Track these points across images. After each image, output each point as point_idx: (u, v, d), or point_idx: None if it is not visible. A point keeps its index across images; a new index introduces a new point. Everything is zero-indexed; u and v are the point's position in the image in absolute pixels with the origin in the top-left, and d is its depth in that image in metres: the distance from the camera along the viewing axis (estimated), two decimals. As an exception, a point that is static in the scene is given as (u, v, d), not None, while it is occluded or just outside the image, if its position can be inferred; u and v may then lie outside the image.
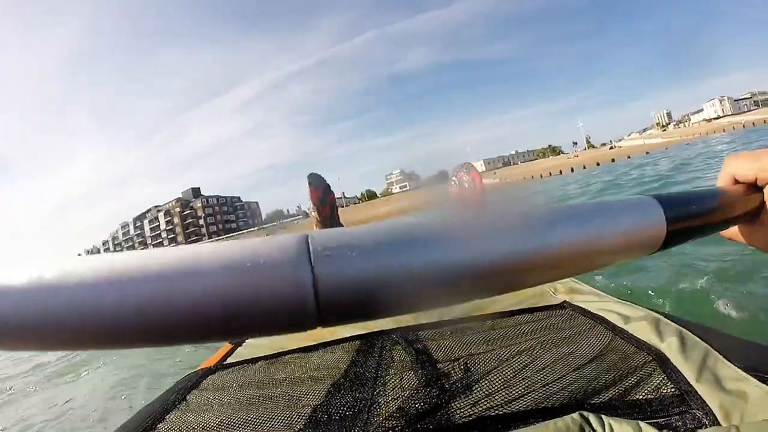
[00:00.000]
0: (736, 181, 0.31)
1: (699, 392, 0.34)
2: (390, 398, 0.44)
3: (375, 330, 0.66)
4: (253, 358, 0.63)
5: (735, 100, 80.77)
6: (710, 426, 0.31)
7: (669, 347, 0.42)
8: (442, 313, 0.68)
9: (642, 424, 0.30)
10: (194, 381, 0.57)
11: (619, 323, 0.52)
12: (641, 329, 0.48)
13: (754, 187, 0.30)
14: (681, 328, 0.46)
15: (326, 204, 1.42)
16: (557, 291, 0.71)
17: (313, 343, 0.64)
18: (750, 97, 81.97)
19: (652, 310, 0.53)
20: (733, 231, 0.32)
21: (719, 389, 0.34)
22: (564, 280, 0.75)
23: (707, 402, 0.33)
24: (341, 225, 1.41)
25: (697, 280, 2.36)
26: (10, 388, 3.71)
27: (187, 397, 0.53)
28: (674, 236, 0.24)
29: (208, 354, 0.73)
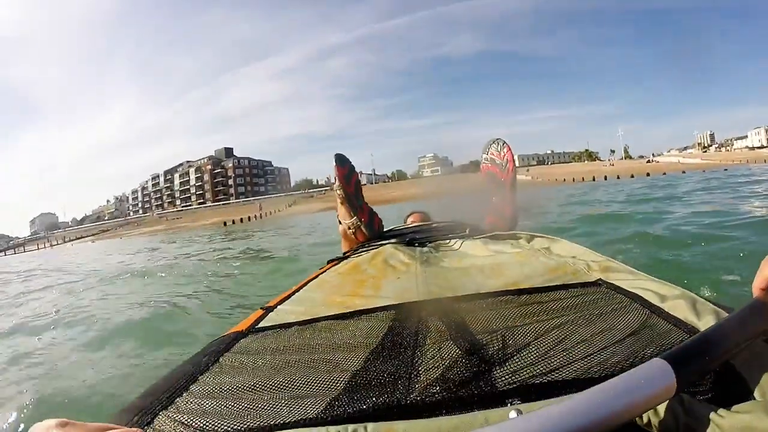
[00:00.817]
0: None
1: (736, 368, 0.35)
2: (430, 366, 0.44)
3: (411, 300, 0.65)
4: (286, 323, 0.62)
5: (783, 131, 76.88)
6: (748, 400, 0.32)
7: (706, 325, 0.43)
8: (478, 287, 0.69)
9: (684, 395, 0.31)
10: (227, 343, 0.56)
11: (655, 301, 0.51)
12: (678, 307, 0.48)
13: None
14: (717, 308, 0.47)
15: (351, 182, 1.43)
16: (591, 269, 0.70)
17: (347, 311, 0.63)
18: (801, 130, 77.99)
19: (688, 291, 0.53)
20: None
21: (756, 366, 0.34)
22: (598, 258, 0.75)
23: (746, 377, 0.34)
24: (365, 203, 1.47)
25: (735, 267, 2.26)
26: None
27: (220, 359, 0.52)
28: (687, 385, 0.30)
29: (238, 319, 0.72)
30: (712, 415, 0.29)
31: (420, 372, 0.42)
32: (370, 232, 1.40)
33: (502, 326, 0.51)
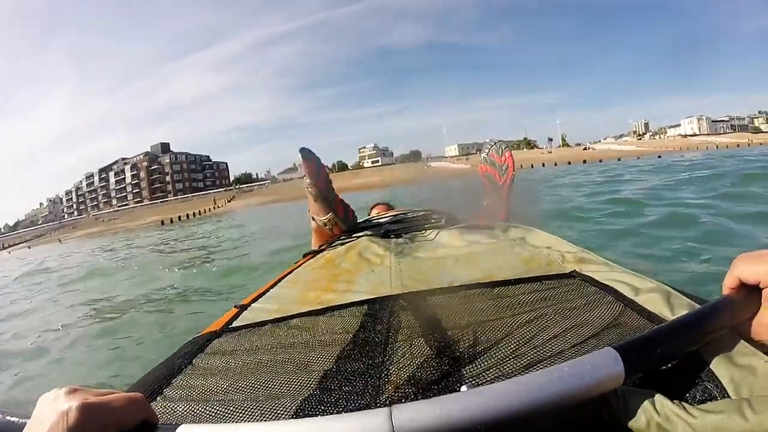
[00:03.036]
0: (742, 283, 0.35)
1: (710, 365, 0.35)
2: (401, 364, 0.43)
3: (384, 295, 0.64)
4: (260, 322, 0.61)
5: (713, 121, 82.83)
6: (721, 398, 0.32)
7: None
8: (452, 279, 0.68)
9: (657, 395, 0.31)
10: (200, 345, 0.56)
11: (629, 294, 0.51)
12: (652, 301, 0.48)
13: (754, 288, 0.35)
14: (691, 301, 0.46)
15: (321, 177, 1.33)
16: (565, 260, 0.69)
17: (320, 307, 0.63)
18: (728, 120, 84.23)
19: (662, 283, 0.52)
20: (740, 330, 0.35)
21: (729, 363, 0.34)
22: (573, 249, 0.74)
23: (717, 375, 0.34)
24: (336, 195, 1.36)
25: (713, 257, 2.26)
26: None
27: (194, 360, 0.51)
28: (636, 373, 0.32)
29: (211, 319, 0.69)
30: (684, 414, 0.29)
31: (390, 371, 0.42)
32: (347, 225, 1.33)
33: (474, 321, 0.50)
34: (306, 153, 1.31)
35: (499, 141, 1.43)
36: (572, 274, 0.62)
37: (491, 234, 0.96)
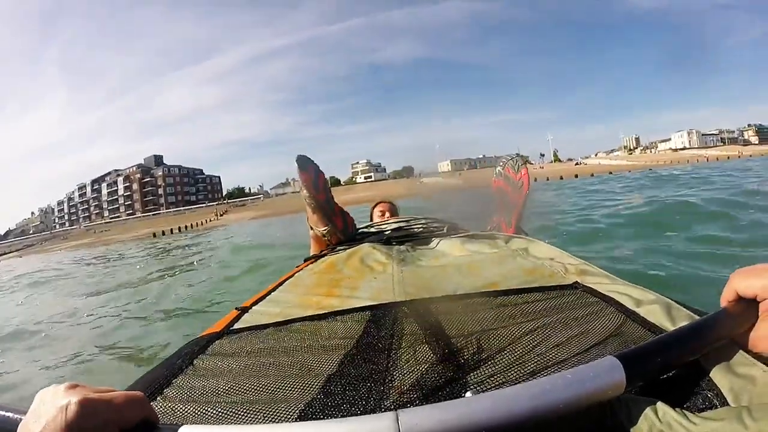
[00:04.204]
0: (739, 297, 0.37)
1: (710, 375, 0.35)
2: (405, 370, 0.43)
3: (386, 302, 0.64)
4: (261, 325, 0.60)
5: (703, 134, 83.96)
6: (721, 406, 0.32)
7: None
8: (455, 287, 0.67)
9: (658, 402, 0.32)
10: (201, 345, 0.55)
11: (631, 306, 0.51)
12: (653, 312, 0.48)
13: (751, 301, 0.36)
14: (691, 313, 0.47)
15: (320, 187, 1.25)
16: (567, 271, 0.69)
17: (323, 312, 0.62)
18: (717, 134, 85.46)
19: (663, 295, 0.53)
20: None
21: (729, 373, 0.34)
22: (575, 261, 0.74)
23: (717, 384, 0.34)
24: (336, 204, 1.29)
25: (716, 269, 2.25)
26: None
27: (194, 361, 0.51)
28: (637, 382, 0.33)
29: (211, 321, 0.68)
30: (685, 422, 0.29)
31: (394, 377, 0.42)
32: (346, 236, 1.26)
33: (477, 329, 0.50)
34: (302, 162, 1.23)
35: (516, 156, 1.39)
36: (575, 285, 0.62)
37: (493, 244, 0.96)
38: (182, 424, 0.30)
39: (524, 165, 1.36)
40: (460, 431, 0.27)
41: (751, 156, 41.48)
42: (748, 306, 0.36)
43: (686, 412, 0.30)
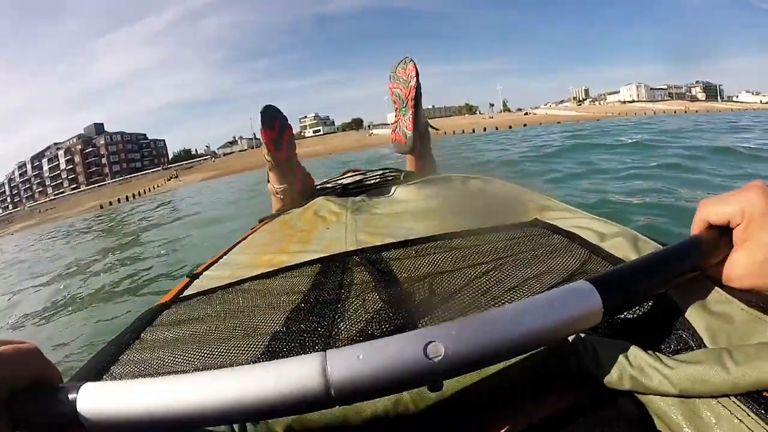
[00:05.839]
0: (710, 225, 0.34)
1: (684, 314, 0.33)
2: (351, 321, 0.42)
3: (337, 252, 0.62)
4: (210, 289, 0.59)
5: (651, 88, 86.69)
6: (697, 348, 0.30)
7: None
8: (408, 233, 0.66)
9: (630, 345, 0.30)
10: (148, 318, 0.53)
11: (594, 240, 0.49)
12: (619, 246, 0.46)
13: (724, 229, 0.33)
14: (659, 245, 0.45)
15: (283, 146, 1.18)
16: (528, 209, 0.67)
17: (273, 269, 0.60)
18: (666, 89, 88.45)
19: (629, 228, 0.51)
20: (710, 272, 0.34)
21: (704, 311, 0.33)
22: (534, 198, 0.72)
23: (692, 324, 0.32)
24: (297, 164, 1.25)
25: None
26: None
27: (142, 335, 0.49)
28: (614, 310, 0.29)
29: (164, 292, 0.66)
30: (659, 365, 0.27)
31: (341, 328, 0.41)
32: (302, 197, 1.21)
33: (430, 272, 0.49)
34: (267, 117, 1.13)
35: (405, 57, 1.36)
36: (534, 223, 0.60)
37: (450, 186, 0.95)
38: (85, 382, 0.26)
39: (411, 61, 1.33)
40: (400, 371, 0.24)
41: (697, 111, 42.33)
42: (721, 233, 0.34)
43: (660, 355, 0.28)
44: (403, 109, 1.38)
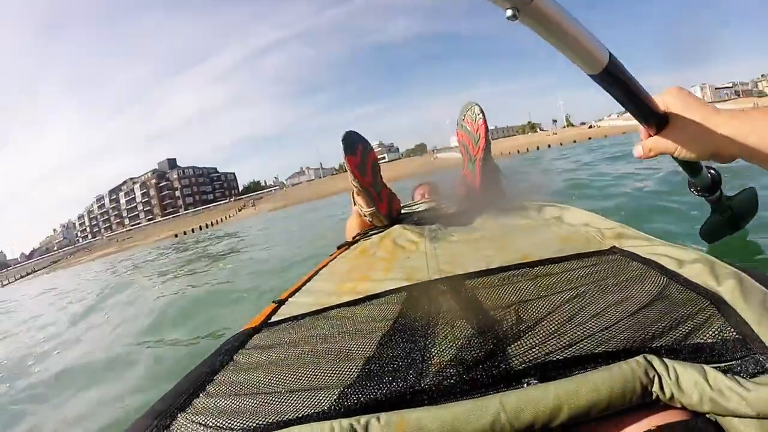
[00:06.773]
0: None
1: (761, 336, 0.33)
2: (444, 347, 0.42)
3: (420, 281, 0.64)
4: (298, 315, 0.61)
5: (716, 88, 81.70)
6: None
7: (727, 291, 0.41)
8: (488, 261, 0.66)
9: (706, 367, 0.31)
10: (240, 341, 0.55)
11: (673, 267, 0.50)
12: (696, 273, 0.46)
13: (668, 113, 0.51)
14: (738, 271, 0.45)
15: (368, 170, 1.15)
16: (604, 236, 0.68)
17: (358, 297, 0.62)
18: (731, 87, 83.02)
19: (706, 254, 0.50)
20: (662, 146, 0.52)
21: None
22: (611, 226, 0.72)
23: (766, 345, 0.33)
24: (383, 187, 1.21)
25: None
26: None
27: (234, 357, 0.51)
28: (609, 74, 0.43)
29: (251, 316, 0.69)
30: (738, 388, 0.28)
31: (432, 355, 0.42)
32: (389, 220, 1.21)
33: (515, 301, 0.49)
34: (348, 143, 1.10)
35: (474, 104, 1.26)
36: (612, 250, 0.61)
37: (525, 214, 0.95)
38: None
39: (480, 114, 1.24)
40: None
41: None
42: (664, 115, 0.51)
43: (738, 378, 0.30)
44: (471, 164, 1.29)
